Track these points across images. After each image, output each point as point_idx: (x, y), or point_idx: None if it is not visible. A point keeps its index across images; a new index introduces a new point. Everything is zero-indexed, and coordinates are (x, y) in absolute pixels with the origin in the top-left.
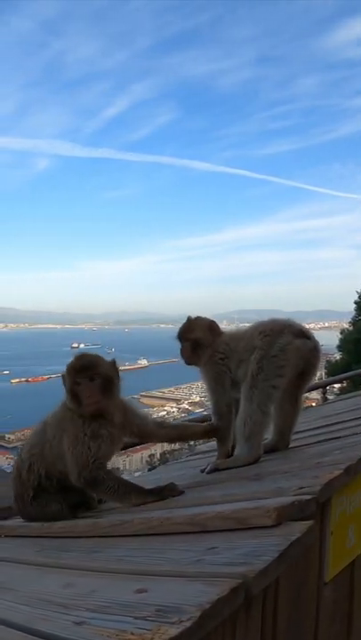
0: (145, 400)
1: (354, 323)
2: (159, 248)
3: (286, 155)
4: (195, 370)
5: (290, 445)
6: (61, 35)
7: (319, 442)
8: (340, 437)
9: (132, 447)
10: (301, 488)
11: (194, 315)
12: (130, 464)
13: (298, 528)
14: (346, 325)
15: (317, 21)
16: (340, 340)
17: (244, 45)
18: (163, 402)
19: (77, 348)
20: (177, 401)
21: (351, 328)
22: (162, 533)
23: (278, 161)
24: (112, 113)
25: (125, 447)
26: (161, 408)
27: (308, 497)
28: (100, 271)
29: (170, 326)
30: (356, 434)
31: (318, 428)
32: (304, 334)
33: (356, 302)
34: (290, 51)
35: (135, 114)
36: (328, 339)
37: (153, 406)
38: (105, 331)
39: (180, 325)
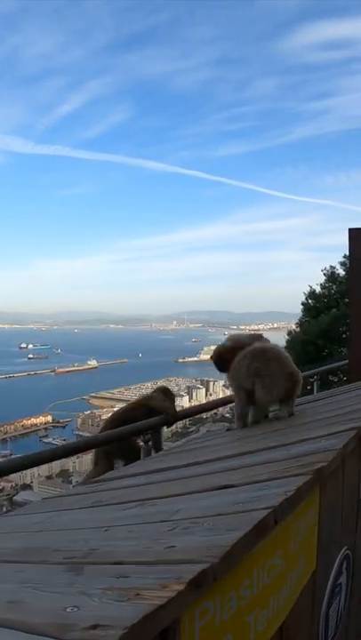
0: (94, 401)
1: (301, 324)
2: (112, 248)
3: (241, 157)
4: (144, 370)
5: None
6: (18, 30)
7: (206, 496)
8: (231, 486)
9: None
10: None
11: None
12: (79, 466)
13: None
14: (293, 327)
15: (277, 25)
16: (288, 342)
17: (203, 46)
18: (112, 402)
19: (26, 348)
20: (127, 402)
21: (298, 329)
22: None
23: (233, 163)
24: (66, 110)
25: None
26: (110, 409)
27: None
28: (51, 270)
29: (120, 327)
30: (249, 484)
31: (227, 458)
32: None
33: (303, 304)
34: (248, 53)
35: (90, 111)
36: (276, 340)
37: (102, 407)
38: (54, 331)
39: (129, 326)
